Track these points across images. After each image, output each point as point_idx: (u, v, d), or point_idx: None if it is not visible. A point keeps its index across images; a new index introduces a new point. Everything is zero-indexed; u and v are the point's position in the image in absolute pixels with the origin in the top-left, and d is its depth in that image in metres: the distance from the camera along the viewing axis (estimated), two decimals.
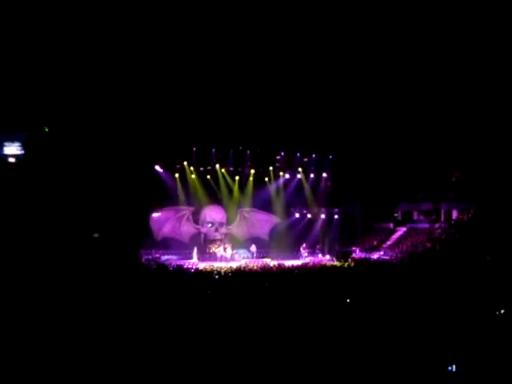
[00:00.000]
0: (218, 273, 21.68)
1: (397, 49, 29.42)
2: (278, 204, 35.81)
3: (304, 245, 33.53)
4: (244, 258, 31.94)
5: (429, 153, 32.75)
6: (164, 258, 30.80)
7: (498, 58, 28.23)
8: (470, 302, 11.19)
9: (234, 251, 33.24)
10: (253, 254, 32.68)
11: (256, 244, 33.97)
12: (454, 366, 6.42)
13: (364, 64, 30.33)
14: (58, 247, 20.37)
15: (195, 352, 7.85)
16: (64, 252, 19.94)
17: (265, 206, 35.73)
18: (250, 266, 27.03)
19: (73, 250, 20.95)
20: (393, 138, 31.16)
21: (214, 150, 33.69)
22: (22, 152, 25.94)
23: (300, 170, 36.04)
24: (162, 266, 21.72)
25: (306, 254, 32.99)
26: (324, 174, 36.17)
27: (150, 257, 29.22)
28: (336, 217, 37.04)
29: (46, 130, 25.49)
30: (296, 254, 33.06)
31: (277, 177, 36.15)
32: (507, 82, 28.40)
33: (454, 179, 35.08)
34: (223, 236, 34.73)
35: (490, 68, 28.66)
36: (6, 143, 25.85)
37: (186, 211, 34.15)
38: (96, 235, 24.47)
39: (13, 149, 25.91)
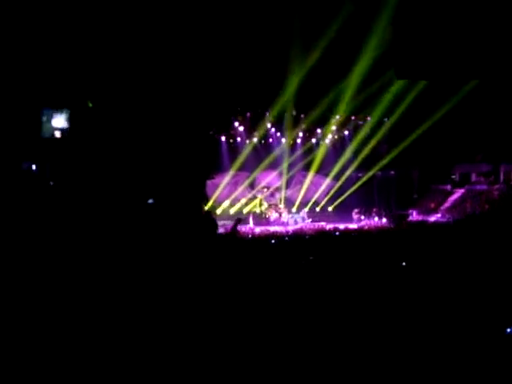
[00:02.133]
0: (275, 237, 21.89)
1: None
2: (335, 167, 35.61)
3: (356, 210, 33.19)
4: (300, 222, 32.08)
5: (488, 111, 31.82)
6: (220, 223, 31.18)
7: None
8: None
9: (290, 215, 33.36)
10: (303, 218, 32.75)
11: (312, 207, 34.20)
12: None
13: None
14: (114, 214, 20.91)
15: (248, 312, 8.10)
16: (120, 218, 20.48)
17: (321, 169, 35.68)
18: (306, 229, 27.15)
19: (128, 217, 21.51)
20: (451, 98, 30.34)
21: (267, 113, 33.58)
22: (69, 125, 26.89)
23: (356, 132, 35.75)
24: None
25: (363, 217, 32.78)
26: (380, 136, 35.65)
27: None
28: (393, 179, 36.75)
29: (90, 105, 26.08)
30: (351, 218, 32.95)
31: (333, 139, 36.00)
32: None
33: None
34: (279, 200, 35.00)
35: None
36: (54, 115, 26.83)
37: (242, 176, 34.44)
38: (150, 201, 24.83)
39: (61, 121, 26.90)
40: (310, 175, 35.66)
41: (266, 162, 34.57)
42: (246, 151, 34.33)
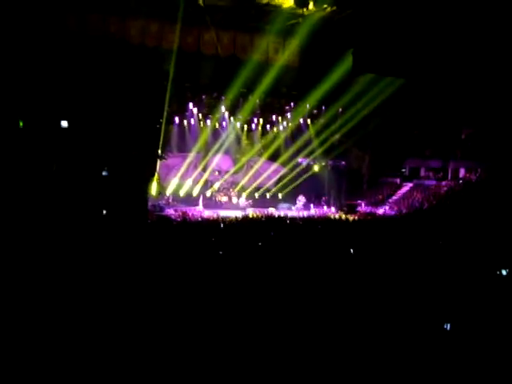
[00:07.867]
0: (223, 221, 21.83)
1: None
2: (286, 154, 35.68)
3: (300, 196, 33.34)
4: (249, 207, 32.08)
5: (440, 108, 32.25)
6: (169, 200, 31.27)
7: None
8: (470, 260, 11.27)
9: (240, 200, 33.36)
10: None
11: (263, 193, 34.43)
12: (448, 325, 6.50)
13: None
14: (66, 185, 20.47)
15: (198, 298, 7.97)
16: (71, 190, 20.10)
17: (272, 155, 35.70)
18: (256, 214, 27.18)
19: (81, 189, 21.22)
20: (403, 93, 30.56)
21: (223, 97, 33.31)
22: None
23: (309, 121, 35.80)
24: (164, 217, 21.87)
25: (301, 203, 33.00)
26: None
27: (157, 203, 29.24)
28: (343, 169, 37.04)
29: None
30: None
31: (285, 127, 35.99)
32: None
33: (464, 136, 34.82)
34: (230, 184, 34.95)
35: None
36: None
37: (194, 158, 34.17)
38: (105, 173, 24.40)
39: None
40: (261, 161, 35.67)
41: (219, 145, 34.40)
42: (199, 134, 34.09)
